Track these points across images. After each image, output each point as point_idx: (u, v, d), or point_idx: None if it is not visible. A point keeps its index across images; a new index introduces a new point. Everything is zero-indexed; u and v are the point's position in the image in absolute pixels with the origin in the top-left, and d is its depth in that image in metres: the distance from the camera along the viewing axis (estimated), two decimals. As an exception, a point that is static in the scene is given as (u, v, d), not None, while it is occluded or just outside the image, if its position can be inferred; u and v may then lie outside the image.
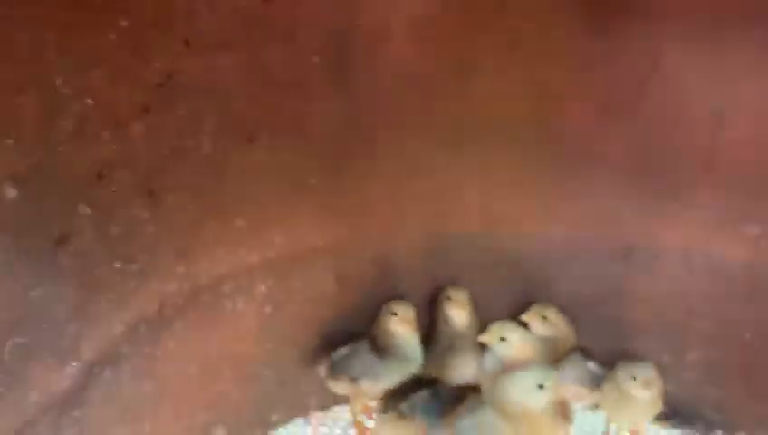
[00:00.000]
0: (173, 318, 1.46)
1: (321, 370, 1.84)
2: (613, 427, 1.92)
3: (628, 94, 1.84)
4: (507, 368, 1.64)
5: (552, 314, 1.86)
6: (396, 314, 1.81)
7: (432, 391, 1.70)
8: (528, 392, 1.50)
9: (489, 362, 1.70)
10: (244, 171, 1.51)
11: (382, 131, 1.80)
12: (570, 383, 1.81)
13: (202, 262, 1.50)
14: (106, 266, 1.18)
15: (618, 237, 1.97)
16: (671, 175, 1.90)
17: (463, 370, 1.84)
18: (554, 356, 1.79)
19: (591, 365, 1.84)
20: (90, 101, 1.05)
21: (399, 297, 1.93)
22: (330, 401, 1.92)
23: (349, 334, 1.85)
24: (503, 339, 1.67)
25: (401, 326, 1.81)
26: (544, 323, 1.85)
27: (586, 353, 1.86)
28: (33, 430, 1.05)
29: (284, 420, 1.88)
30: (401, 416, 1.69)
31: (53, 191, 1.01)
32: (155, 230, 1.32)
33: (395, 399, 1.73)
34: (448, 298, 1.84)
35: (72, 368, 1.13)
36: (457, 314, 1.85)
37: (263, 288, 1.69)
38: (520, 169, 1.93)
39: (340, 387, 1.85)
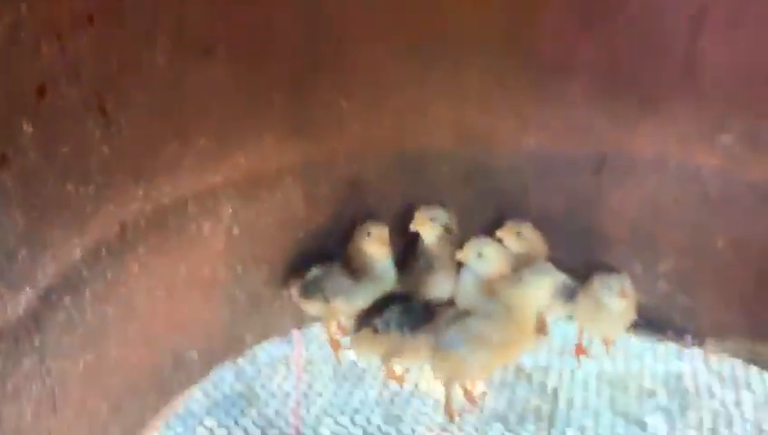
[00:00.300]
0: (136, 241, 1.41)
1: (294, 291, 1.82)
2: (586, 337, 1.95)
3: (604, 2, 1.78)
4: (484, 283, 1.65)
5: (526, 229, 1.85)
6: (369, 234, 1.78)
7: (403, 307, 1.70)
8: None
9: (466, 278, 1.69)
10: (203, 87, 1.44)
11: (351, 44, 1.72)
12: None
13: (163, 184, 1.44)
14: (57, 188, 1.12)
15: (591, 149, 1.94)
16: (647, 85, 1.86)
17: (441, 287, 1.84)
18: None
19: (565, 277, 1.84)
20: (23, 9, 0.96)
21: (371, 217, 1.90)
22: (304, 319, 1.90)
23: (320, 255, 1.82)
24: (479, 255, 1.66)
25: (375, 246, 1.79)
26: (519, 239, 1.83)
27: (561, 265, 1.86)
28: (-11, 357, 1.02)
29: (259, 340, 1.87)
30: (375, 332, 1.69)
31: (-11, 107, 0.95)
32: (110, 150, 1.26)
33: (368, 316, 1.73)
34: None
35: (27, 294, 1.09)
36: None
37: (229, 210, 1.65)
38: (492, 82, 1.87)
39: (313, 307, 1.84)
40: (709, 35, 1.69)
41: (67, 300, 1.21)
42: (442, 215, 1.83)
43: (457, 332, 1.59)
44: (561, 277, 1.74)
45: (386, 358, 1.71)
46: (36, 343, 1.13)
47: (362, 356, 1.81)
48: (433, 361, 1.64)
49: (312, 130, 1.72)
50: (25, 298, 1.09)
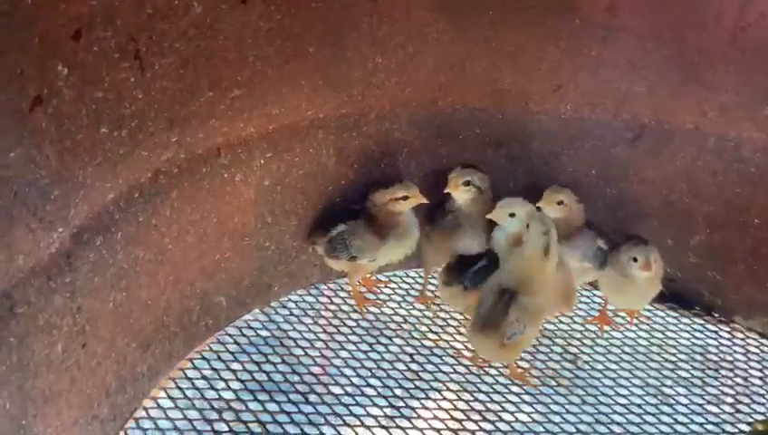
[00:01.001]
0: (168, 188, 1.44)
1: (319, 249, 1.84)
2: (611, 308, 1.94)
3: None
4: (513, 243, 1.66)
5: (566, 197, 1.81)
6: (405, 197, 1.79)
7: (487, 263, 1.72)
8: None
9: (499, 237, 1.69)
10: (237, 36, 1.44)
11: (388, -1, 1.70)
12: (578, 259, 1.81)
13: (196, 132, 1.46)
14: (91, 131, 1.14)
15: (629, 116, 1.91)
16: (691, 52, 1.81)
17: (469, 245, 1.83)
18: (564, 232, 1.76)
19: (601, 243, 1.82)
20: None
21: (401, 174, 1.90)
22: (331, 273, 1.93)
23: (348, 211, 1.83)
24: (512, 215, 1.65)
25: (403, 206, 1.79)
26: (558, 207, 1.80)
27: (597, 231, 1.84)
28: (22, 292, 1.05)
29: (286, 292, 1.90)
30: (465, 289, 1.72)
31: (26, 49, 0.96)
32: (144, 96, 1.27)
33: (458, 272, 1.75)
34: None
35: (60, 233, 1.12)
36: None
37: (261, 161, 1.66)
38: (530, 43, 1.84)
39: (339, 264, 1.86)
40: (757, 4, 1.62)
41: (99, 240, 1.25)
42: (475, 177, 1.81)
43: (519, 318, 1.57)
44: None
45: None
46: (68, 280, 1.17)
47: (451, 307, 1.84)
48: (496, 353, 1.64)
49: (345, 85, 1.72)
50: (58, 236, 1.13)
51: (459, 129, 1.93)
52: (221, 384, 1.61)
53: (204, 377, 1.63)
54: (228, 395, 1.59)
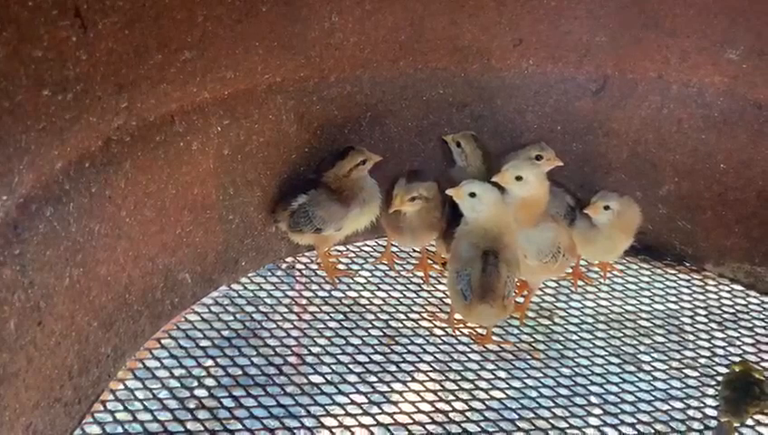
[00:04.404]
0: (121, 157, 1.37)
1: (282, 225, 1.79)
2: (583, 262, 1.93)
3: None
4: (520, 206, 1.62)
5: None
6: (364, 161, 1.74)
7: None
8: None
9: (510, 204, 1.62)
10: (185, -5, 1.38)
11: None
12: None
13: (147, 97, 1.40)
14: (31, 92, 1.08)
15: (592, 68, 1.89)
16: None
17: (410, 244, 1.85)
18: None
19: (569, 199, 1.80)
20: None
21: (365, 140, 1.86)
22: (300, 245, 1.88)
23: (306, 180, 1.77)
24: (518, 178, 1.60)
25: (363, 170, 1.75)
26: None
27: (566, 189, 1.82)
28: (-33, 264, 0.99)
29: (254, 266, 1.85)
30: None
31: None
32: (88, 58, 1.20)
33: None
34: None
35: (4, 201, 1.05)
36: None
37: (218, 128, 1.60)
38: (490, -2, 1.81)
39: (304, 238, 1.81)
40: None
41: (49, 211, 1.18)
42: (421, 189, 1.70)
43: (509, 274, 1.55)
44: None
45: None
46: (17, 253, 1.11)
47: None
48: (497, 316, 1.58)
49: (302, 46, 1.66)
50: (2, 204, 1.06)
51: (422, 90, 1.89)
52: (190, 362, 1.56)
53: (172, 356, 1.58)
54: (199, 372, 1.54)
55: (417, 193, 1.70)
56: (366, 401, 1.50)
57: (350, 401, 1.50)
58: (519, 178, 1.60)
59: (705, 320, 1.80)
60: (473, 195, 1.56)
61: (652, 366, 1.65)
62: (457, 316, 1.69)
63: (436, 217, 1.74)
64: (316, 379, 1.55)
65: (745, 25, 1.76)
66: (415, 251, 1.94)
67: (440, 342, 1.67)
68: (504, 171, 1.61)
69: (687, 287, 1.91)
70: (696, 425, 1.50)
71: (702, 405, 1.55)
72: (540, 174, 1.63)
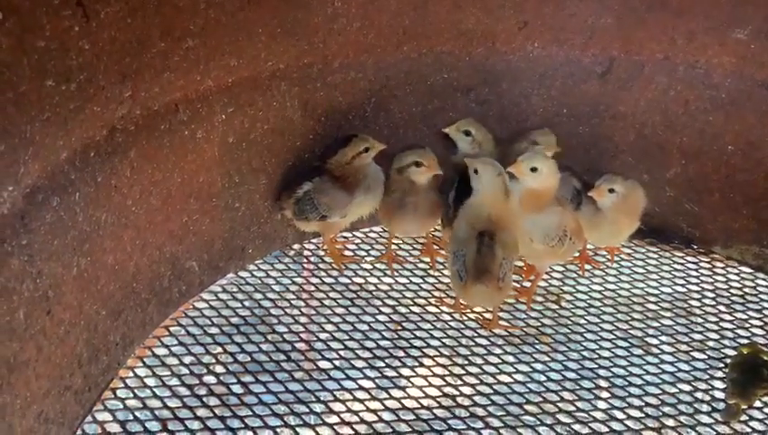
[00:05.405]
0: (126, 146, 1.37)
1: (288, 213, 1.78)
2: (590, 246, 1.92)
3: None
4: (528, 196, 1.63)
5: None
6: (367, 148, 1.74)
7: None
8: None
9: (517, 190, 1.63)
10: (187, -18, 1.37)
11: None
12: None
13: (151, 86, 1.39)
14: (35, 83, 1.08)
15: (598, 50, 1.87)
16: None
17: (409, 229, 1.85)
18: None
19: (575, 182, 1.79)
20: None
21: (370, 127, 1.85)
22: (307, 232, 1.88)
23: (311, 168, 1.77)
24: (533, 169, 1.59)
25: (366, 158, 1.74)
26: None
27: (573, 172, 1.81)
28: (-25, 255, 1.00)
29: (261, 254, 1.85)
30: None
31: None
32: (91, 47, 1.20)
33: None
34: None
35: (10, 192, 1.06)
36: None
37: (223, 116, 1.60)
38: (493, -21, 1.79)
39: (310, 226, 1.81)
40: None
41: (55, 201, 1.18)
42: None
43: (505, 256, 1.56)
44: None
45: None
46: (24, 243, 1.11)
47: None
48: (493, 297, 1.60)
49: (305, 32, 1.65)
50: (9, 195, 1.06)
51: (427, 74, 1.88)
52: (199, 349, 1.57)
53: (181, 343, 1.59)
54: (208, 359, 1.55)
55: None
56: (374, 386, 1.51)
57: (358, 387, 1.50)
58: (534, 170, 1.59)
59: (713, 302, 1.79)
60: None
61: (660, 349, 1.65)
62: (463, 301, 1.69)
63: (434, 201, 1.75)
64: (324, 364, 1.55)
65: (753, 4, 1.74)
66: (421, 238, 1.94)
67: (447, 326, 1.68)
68: (520, 162, 1.60)
69: (695, 270, 1.90)
70: (704, 407, 1.50)
71: (710, 388, 1.55)
72: (553, 166, 1.62)
